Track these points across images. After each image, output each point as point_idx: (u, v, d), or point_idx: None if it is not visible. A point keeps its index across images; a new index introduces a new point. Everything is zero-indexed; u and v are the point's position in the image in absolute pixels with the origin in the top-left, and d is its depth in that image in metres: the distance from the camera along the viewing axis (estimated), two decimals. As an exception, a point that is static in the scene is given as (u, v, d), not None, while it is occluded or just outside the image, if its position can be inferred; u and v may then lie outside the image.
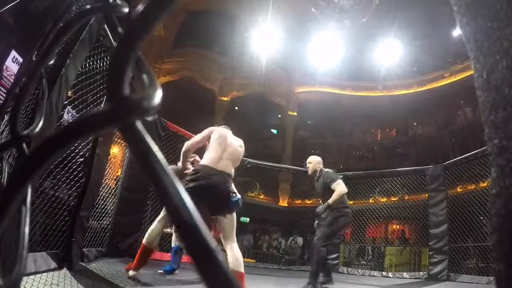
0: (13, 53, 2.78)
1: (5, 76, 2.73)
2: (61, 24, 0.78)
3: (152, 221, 7.49)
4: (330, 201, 5.58)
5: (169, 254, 7.41)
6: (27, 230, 0.60)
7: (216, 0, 21.17)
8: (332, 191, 5.65)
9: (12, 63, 2.77)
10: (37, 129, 0.82)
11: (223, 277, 0.31)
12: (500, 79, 0.47)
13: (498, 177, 0.46)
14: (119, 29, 0.58)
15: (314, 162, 6.13)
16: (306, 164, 6.22)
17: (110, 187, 6.33)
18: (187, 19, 21.73)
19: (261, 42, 19.04)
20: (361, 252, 11.62)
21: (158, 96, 0.38)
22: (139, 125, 0.36)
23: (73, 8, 2.58)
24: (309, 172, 6.14)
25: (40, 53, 0.83)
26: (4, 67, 2.71)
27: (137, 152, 0.36)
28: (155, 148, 0.36)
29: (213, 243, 0.32)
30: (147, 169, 0.35)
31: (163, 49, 21.16)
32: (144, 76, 0.44)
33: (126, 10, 0.62)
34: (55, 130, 0.37)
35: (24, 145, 0.77)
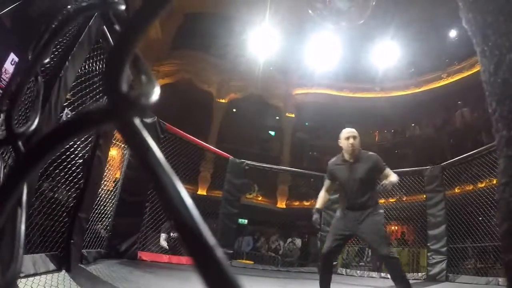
0: (12, 56, 2.77)
1: (3, 79, 2.72)
2: (57, 22, 0.78)
3: (152, 223, 7.53)
4: (394, 179, 4.48)
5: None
6: (23, 229, 0.59)
7: (213, 3, 21.18)
8: (375, 180, 4.58)
9: (11, 66, 2.77)
10: (33, 127, 0.81)
11: (223, 277, 0.31)
12: (507, 71, 0.47)
13: (506, 168, 0.46)
14: (116, 27, 0.58)
15: (358, 136, 4.59)
16: (349, 138, 4.49)
17: (109, 189, 6.34)
18: (185, 22, 21.76)
19: (259, 44, 19.06)
20: (360, 253, 11.60)
21: (156, 94, 0.38)
22: (137, 122, 0.36)
23: (70, 6, 2.58)
24: (354, 150, 4.49)
25: (36, 51, 0.83)
26: (3, 70, 2.71)
27: (136, 150, 0.36)
28: (153, 145, 0.36)
29: (212, 241, 0.32)
30: (145, 166, 0.35)
31: (161, 52, 21.16)
32: (142, 74, 0.44)
33: (123, 7, 0.62)
34: (51, 127, 0.36)
35: (20, 143, 0.76)
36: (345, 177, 4.50)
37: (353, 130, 4.60)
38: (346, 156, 4.56)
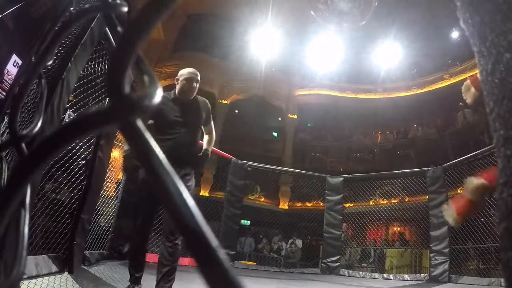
0: (14, 57, 2.78)
1: (6, 80, 2.72)
2: (60, 23, 0.78)
3: (154, 224, 7.52)
4: (210, 148, 3.98)
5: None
6: (26, 230, 0.59)
7: (216, 4, 21.22)
8: (200, 132, 3.97)
9: (13, 67, 2.77)
10: (36, 129, 0.82)
11: (225, 278, 0.31)
12: (504, 71, 0.48)
13: (504, 167, 0.47)
14: (119, 28, 0.58)
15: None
16: (194, 82, 3.82)
17: (111, 190, 6.35)
18: (187, 23, 21.81)
19: (261, 45, 19.08)
20: (364, 255, 11.56)
21: (158, 95, 0.38)
22: (139, 123, 0.36)
23: (72, 8, 2.58)
24: (194, 89, 3.83)
25: (39, 53, 0.83)
26: (5, 71, 2.71)
27: (137, 151, 0.36)
28: (155, 146, 0.36)
29: (214, 242, 0.32)
30: (147, 167, 0.35)
31: (164, 53, 21.22)
32: (145, 75, 0.44)
33: (126, 9, 0.62)
34: (54, 129, 0.36)
35: (24, 145, 0.77)
36: (171, 116, 3.73)
37: (198, 74, 3.93)
38: (180, 95, 3.84)
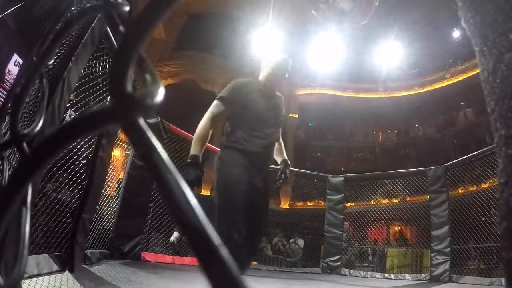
0: (15, 57, 2.78)
1: (7, 80, 2.72)
2: (61, 23, 0.78)
3: (155, 223, 7.53)
4: (287, 157, 3.50)
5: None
6: (27, 229, 0.59)
7: (217, 3, 21.21)
8: (276, 134, 3.36)
9: (14, 67, 2.77)
10: (37, 128, 0.82)
11: (229, 277, 0.31)
12: (506, 70, 0.48)
13: (505, 167, 0.47)
14: (121, 28, 0.58)
15: None
16: (286, 74, 3.21)
17: (113, 189, 6.37)
18: (188, 22, 21.77)
19: (262, 44, 19.07)
20: (364, 254, 11.54)
21: (160, 94, 0.38)
22: (141, 122, 0.36)
23: (73, 8, 2.59)
24: (285, 80, 3.26)
25: (40, 53, 0.83)
26: (6, 71, 2.71)
27: (140, 150, 0.36)
28: (158, 145, 0.36)
29: (217, 241, 0.32)
30: (149, 166, 0.35)
31: (164, 52, 21.18)
32: (147, 75, 0.44)
33: (127, 8, 0.62)
34: (56, 128, 0.37)
35: (25, 145, 0.77)
36: (260, 111, 3.11)
37: (290, 61, 3.25)
38: (267, 87, 3.23)
